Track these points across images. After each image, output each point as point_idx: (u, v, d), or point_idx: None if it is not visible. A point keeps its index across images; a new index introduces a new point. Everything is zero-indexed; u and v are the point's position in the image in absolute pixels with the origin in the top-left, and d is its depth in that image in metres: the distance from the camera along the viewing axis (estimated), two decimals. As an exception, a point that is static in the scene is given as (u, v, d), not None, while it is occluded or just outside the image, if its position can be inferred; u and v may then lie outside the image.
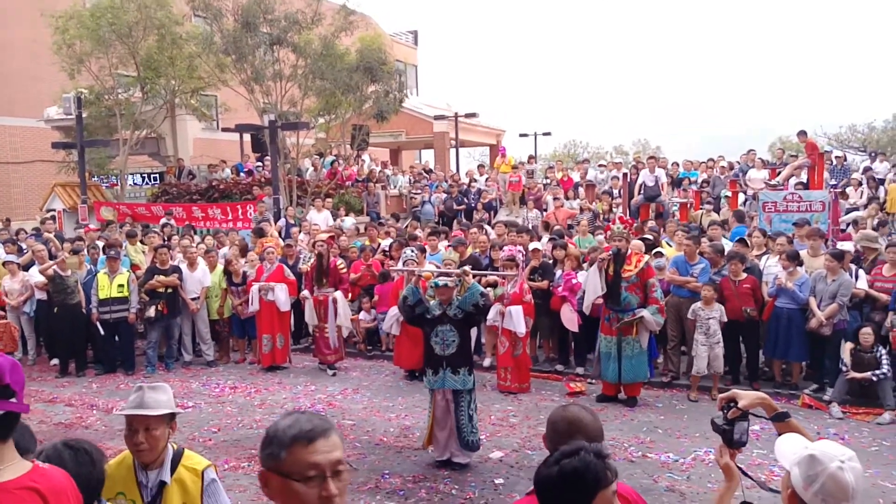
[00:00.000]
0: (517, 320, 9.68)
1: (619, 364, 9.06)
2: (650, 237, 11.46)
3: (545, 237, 12.85)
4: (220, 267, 11.98)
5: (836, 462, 2.21)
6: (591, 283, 9.21)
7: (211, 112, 23.51)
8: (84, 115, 18.72)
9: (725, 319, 9.30)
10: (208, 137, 25.42)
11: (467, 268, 7.61)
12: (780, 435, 2.59)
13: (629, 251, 9.29)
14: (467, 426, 7.09)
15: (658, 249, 10.66)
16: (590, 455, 2.25)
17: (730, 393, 2.80)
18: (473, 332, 10.05)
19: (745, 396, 2.75)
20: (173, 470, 3.18)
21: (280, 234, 14.77)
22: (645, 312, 8.93)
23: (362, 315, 11.99)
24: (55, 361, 11.84)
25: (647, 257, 9.60)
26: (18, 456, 2.17)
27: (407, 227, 16.01)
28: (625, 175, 19.04)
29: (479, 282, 10.43)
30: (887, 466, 7.11)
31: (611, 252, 9.16)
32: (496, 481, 6.86)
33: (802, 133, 16.64)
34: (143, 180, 23.29)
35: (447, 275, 7.43)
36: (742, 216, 13.27)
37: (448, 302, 7.19)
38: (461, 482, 6.85)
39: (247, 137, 22.99)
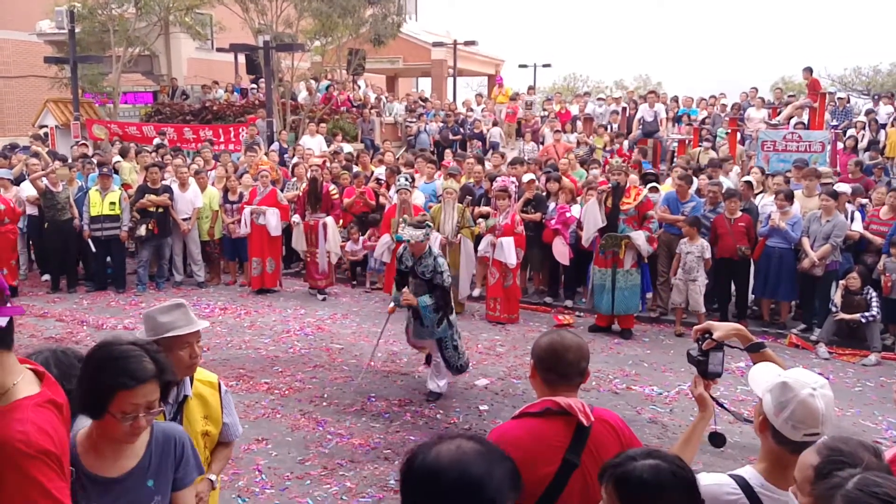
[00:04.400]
0: (508, 251, 9.66)
1: (613, 295, 9.10)
2: (654, 172, 11.36)
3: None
4: (210, 188, 11.85)
5: (807, 389, 2.23)
6: (591, 216, 9.16)
7: (205, 31, 22.95)
8: (77, 30, 18.28)
9: (707, 256, 9.23)
10: (202, 57, 24.92)
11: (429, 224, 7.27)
12: (755, 365, 2.59)
13: (628, 184, 9.23)
14: (454, 356, 7.11)
15: (653, 184, 10.58)
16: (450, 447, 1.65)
17: (704, 324, 2.81)
18: (465, 270, 10.06)
19: (720, 328, 2.75)
20: (191, 384, 3.16)
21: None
22: (635, 233, 8.95)
23: (349, 245, 11.82)
24: (46, 277, 11.81)
25: (645, 190, 9.54)
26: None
27: (401, 156, 15.85)
28: (623, 109, 18.82)
29: (472, 211, 10.45)
30: (869, 406, 7.21)
31: (609, 185, 9.10)
32: (481, 407, 6.94)
33: (808, 69, 16.39)
34: (135, 99, 22.90)
35: (419, 226, 7.00)
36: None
37: (419, 255, 6.92)
38: (446, 407, 6.93)
39: (241, 59, 22.57)
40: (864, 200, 10.22)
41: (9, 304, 2.07)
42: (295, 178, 12.19)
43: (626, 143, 17.02)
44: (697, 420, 2.73)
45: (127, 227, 11.21)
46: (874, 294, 8.60)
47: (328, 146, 16.18)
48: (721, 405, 2.83)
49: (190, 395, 3.13)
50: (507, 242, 9.68)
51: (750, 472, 2.36)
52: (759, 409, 2.34)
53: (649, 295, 10.21)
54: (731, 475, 2.37)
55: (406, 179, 10.10)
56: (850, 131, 16.29)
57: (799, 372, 2.33)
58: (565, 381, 2.70)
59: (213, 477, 3.18)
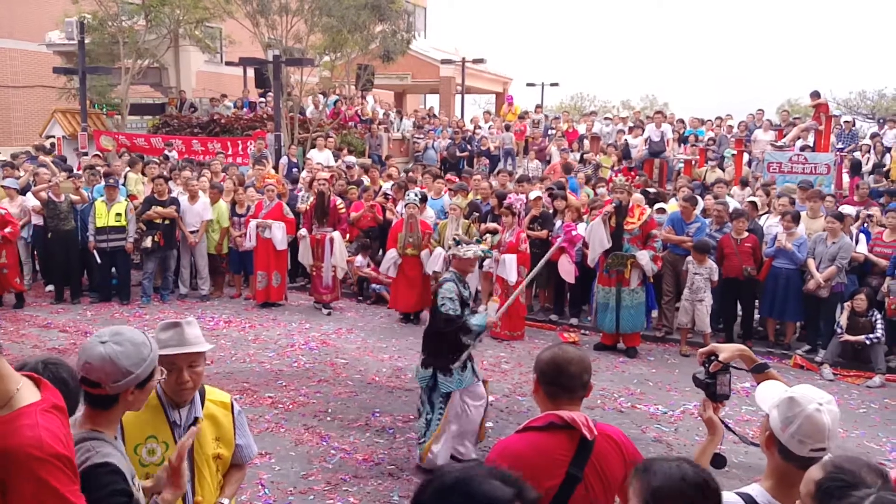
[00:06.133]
0: (509, 268, 9.68)
1: (617, 314, 9.10)
2: (653, 190, 11.39)
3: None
4: (221, 202, 11.85)
5: (813, 404, 2.25)
6: (597, 237, 9.13)
7: (215, 44, 23.12)
8: (86, 41, 18.39)
9: (716, 278, 9.27)
10: (211, 71, 25.09)
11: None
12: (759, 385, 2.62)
13: (631, 204, 9.24)
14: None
15: (660, 205, 10.59)
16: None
17: (709, 347, 2.84)
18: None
19: (725, 349, 2.79)
20: (201, 405, 3.05)
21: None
22: (640, 253, 8.97)
23: (358, 260, 11.83)
24: (50, 287, 11.82)
25: (649, 210, 9.56)
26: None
27: (409, 171, 15.89)
28: (630, 129, 18.88)
29: (479, 228, 10.46)
30: (874, 428, 7.19)
31: (613, 205, 9.11)
32: (486, 424, 6.91)
33: (815, 93, 16.36)
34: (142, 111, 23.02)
35: (469, 242, 6.33)
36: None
37: (467, 273, 6.11)
38: (450, 424, 6.89)
39: (250, 72, 22.70)
40: (870, 212, 10.29)
41: None
42: (309, 192, 12.18)
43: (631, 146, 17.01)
44: (706, 442, 2.75)
45: (132, 238, 11.24)
46: (879, 316, 8.61)
47: (335, 161, 16.23)
48: (729, 428, 2.84)
49: (201, 417, 3.02)
50: (510, 259, 9.70)
51: (756, 490, 2.37)
52: (766, 424, 2.36)
53: (654, 313, 10.21)
54: (737, 493, 2.37)
55: (416, 195, 10.11)
56: (856, 154, 16.32)
57: (805, 388, 2.36)
58: (568, 394, 2.72)
59: (225, 501, 3.09)
